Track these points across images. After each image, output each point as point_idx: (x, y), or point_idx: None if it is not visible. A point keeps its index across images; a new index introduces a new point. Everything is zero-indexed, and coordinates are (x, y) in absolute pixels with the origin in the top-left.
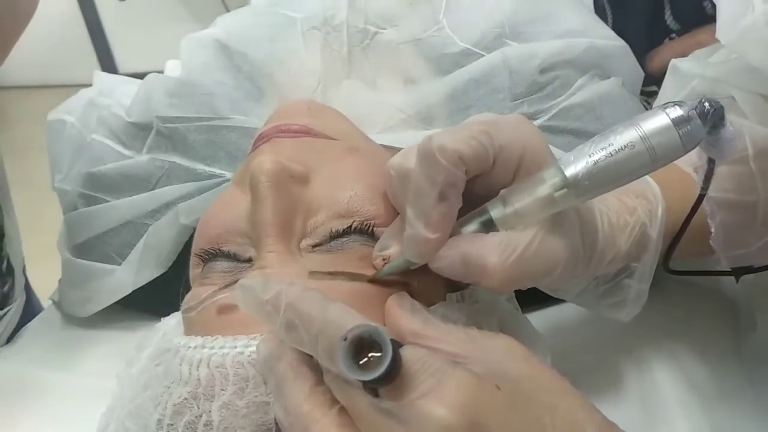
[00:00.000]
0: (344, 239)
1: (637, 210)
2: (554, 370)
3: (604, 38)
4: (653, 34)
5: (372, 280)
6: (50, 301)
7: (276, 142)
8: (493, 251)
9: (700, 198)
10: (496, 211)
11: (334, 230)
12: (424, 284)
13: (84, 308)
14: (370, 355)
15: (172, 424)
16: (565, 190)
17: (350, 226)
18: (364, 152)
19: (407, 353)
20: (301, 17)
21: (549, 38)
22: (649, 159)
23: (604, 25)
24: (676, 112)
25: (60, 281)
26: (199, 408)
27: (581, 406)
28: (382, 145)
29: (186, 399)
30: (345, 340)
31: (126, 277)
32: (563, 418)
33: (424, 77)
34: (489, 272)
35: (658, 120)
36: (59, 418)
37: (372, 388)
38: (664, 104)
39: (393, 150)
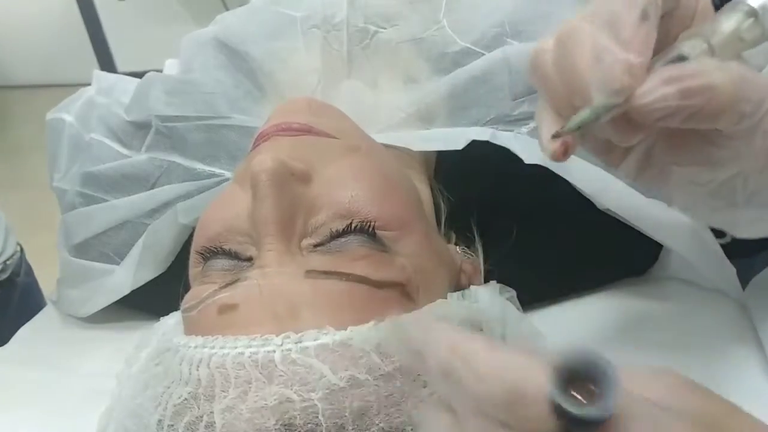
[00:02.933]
0: (344, 239)
1: None
2: (725, 399)
3: None
4: None
5: (377, 284)
6: (49, 301)
7: (277, 140)
8: (715, 71)
9: None
10: (688, 48)
11: (334, 230)
12: (425, 283)
13: (83, 308)
14: (586, 385)
15: (172, 425)
16: (753, 20)
17: (350, 226)
18: (365, 151)
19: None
20: (300, 16)
21: (550, 37)
22: None
23: None
24: None
25: (58, 281)
26: (199, 409)
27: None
28: (382, 144)
29: (186, 399)
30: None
31: (125, 276)
32: None
33: (424, 76)
34: (719, 90)
35: None
36: (59, 417)
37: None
38: None
39: (393, 149)
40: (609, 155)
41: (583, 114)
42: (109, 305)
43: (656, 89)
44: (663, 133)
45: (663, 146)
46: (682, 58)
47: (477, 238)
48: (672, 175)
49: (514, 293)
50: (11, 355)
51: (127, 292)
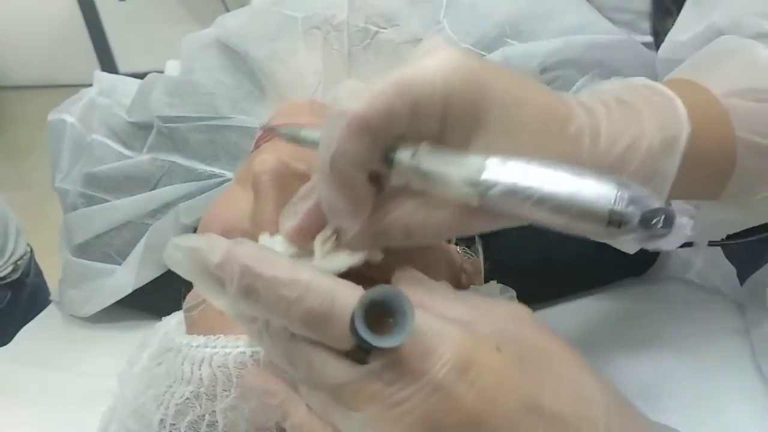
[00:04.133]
0: None
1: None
2: (563, 339)
3: (606, 33)
4: None
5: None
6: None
7: (278, 141)
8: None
9: None
10: (403, 155)
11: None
12: None
13: (84, 308)
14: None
15: (174, 424)
16: (473, 191)
17: None
18: None
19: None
20: (301, 17)
21: (550, 36)
22: (566, 218)
23: (605, 20)
24: (622, 192)
25: (60, 281)
26: (201, 408)
27: (593, 380)
28: None
29: (188, 399)
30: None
31: (126, 276)
32: (569, 387)
33: None
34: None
35: (603, 189)
36: (60, 417)
37: (363, 354)
38: (621, 179)
39: None
40: None
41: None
42: (111, 305)
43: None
44: None
45: None
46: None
47: (477, 239)
48: None
49: (514, 293)
50: (13, 355)
51: (129, 292)
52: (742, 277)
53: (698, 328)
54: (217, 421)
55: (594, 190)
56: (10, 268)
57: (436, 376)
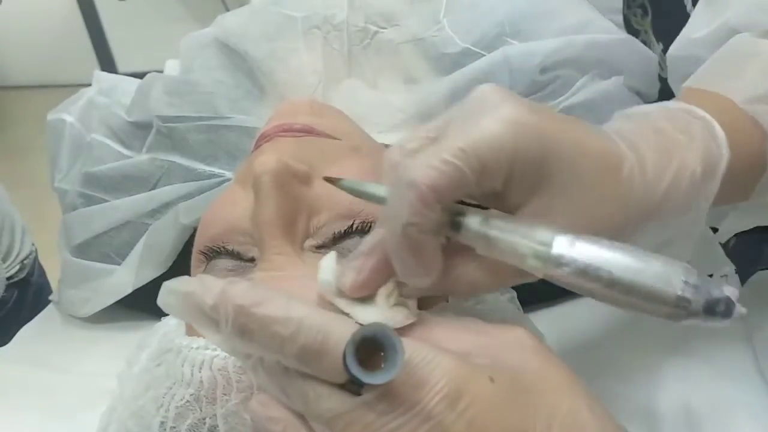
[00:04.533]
0: (348, 241)
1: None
2: (565, 366)
3: (606, 32)
4: None
5: None
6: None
7: (278, 141)
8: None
9: None
10: (472, 221)
11: (336, 231)
12: None
13: (83, 308)
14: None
15: (174, 427)
16: (540, 264)
17: (351, 226)
18: (367, 152)
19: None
20: (301, 16)
21: (550, 35)
22: (632, 300)
23: (606, 19)
24: (689, 285)
25: (59, 281)
26: (202, 411)
27: (587, 408)
28: (383, 145)
29: (189, 402)
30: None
31: (126, 277)
32: (563, 419)
33: (424, 77)
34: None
35: (670, 275)
36: (59, 417)
37: (357, 386)
38: (685, 265)
39: None
40: None
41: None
42: (110, 305)
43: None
44: None
45: None
46: (458, 224)
47: None
48: None
49: (514, 294)
50: (12, 355)
51: (128, 292)
52: (743, 278)
53: (697, 328)
54: (217, 426)
55: (661, 275)
56: (17, 268)
57: (426, 406)
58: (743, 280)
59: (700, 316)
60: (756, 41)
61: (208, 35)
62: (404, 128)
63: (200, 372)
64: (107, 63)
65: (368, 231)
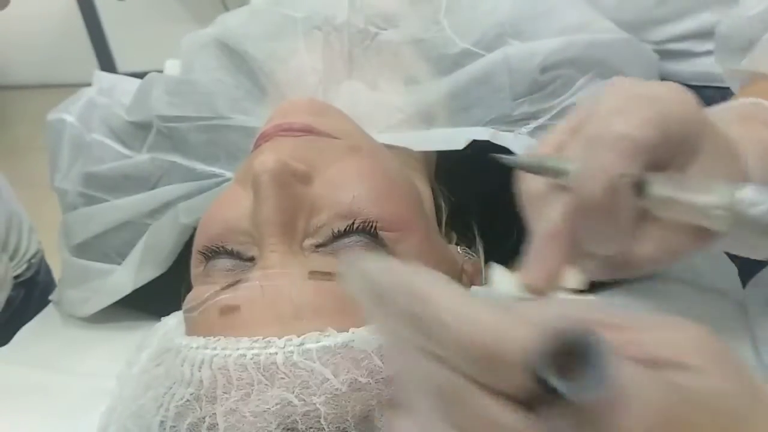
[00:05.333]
0: (346, 239)
1: None
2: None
3: (607, 32)
4: None
5: None
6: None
7: (278, 140)
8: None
9: None
10: (655, 183)
11: (336, 230)
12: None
13: (83, 308)
14: (574, 362)
15: (174, 426)
16: (724, 214)
17: (352, 226)
18: (367, 151)
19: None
20: (301, 17)
21: (550, 35)
22: None
23: (606, 19)
24: None
25: (59, 281)
26: (201, 410)
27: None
28: (383, 145)
29: (188, 401)
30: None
31: (126, 276)
32: None
33: (424, 77)
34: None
35: None
36: (59, 417)
37: (541, 401)
38: None
39: (394, 149)
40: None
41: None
42: (110, 305)
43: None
44: None
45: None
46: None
47: (478, 239)
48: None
49: None
50: (12, 355)
51: (128, 292)
52: (744, 277)
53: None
54: (217, 424)
55: None
56: (24, 267)
57: None
58: (745, 280)
59: None
60: None
61: (208, 35)
62: (404, 128)
63: (200, 371)
64: (107, 63)
65: (369, 231)
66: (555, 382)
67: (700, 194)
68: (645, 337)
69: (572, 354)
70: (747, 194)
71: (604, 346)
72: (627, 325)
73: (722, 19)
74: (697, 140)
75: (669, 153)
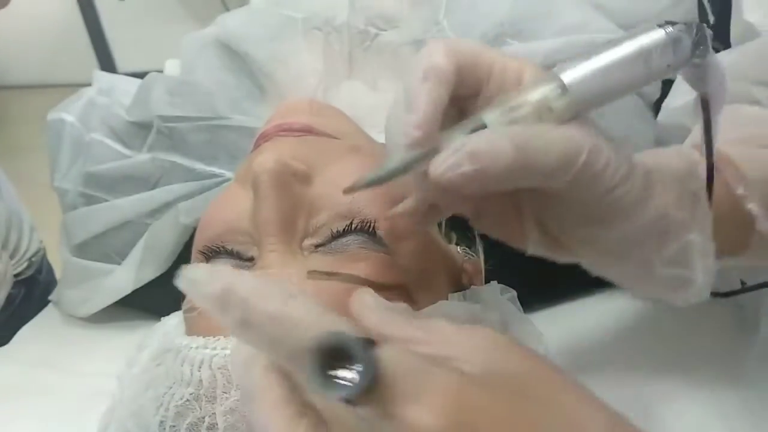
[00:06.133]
0: (345, 239)
1: (673, 160)
2: (550, 361)
3: (606, 32)
4: None
5: (379, 286)
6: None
7: (278, 140)
8: (501, 133)
9: (710, 159)
10: (489, 116)
11: (335, 230)
12: (426, 286)
13: (83, 308)
14: (344, 363)
15: (174, 426)
16: (560, 92)
17: (350, 225)
18: (366, 151)
19: (385, 356)
20: (301, 17)
21: (550, 35)
22: (644, 68)
23: (606, 18)
24: (669, 28)
25: (59, 281)
26: (201, 410)
27: (585, 401)
28: (383, 144)
29: (188, 401)
30: (311, 350)
31: (126, 276)
32: (563, 415)
33: None
34: (498, 152)
35: (653, 33)
36: (59, 417)
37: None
38: (659, 22)
39: None
40: (510, 236)
41: (376, 173)
42: (110, 305)
43: (448, 158)
44: (524, 195)
45: (533, 208)
46: (483, 126)
47: (478, 239)
48: (572, 244)
49: (514, 294)
50: (12, 355)
51: (128, 292)
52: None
53: (699, 330)
54: (216, 424)
55: (644, 31)
56: (24, 265)
57: (430, 428)
58: (744, 281)
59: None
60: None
61: (208, 36)
62: None
63: (200, 371)
64: (107, 63)
65: (368, 230)
66: (316, 383)
67: (531, 93)
68: (433, 339)
69: (342, 359)
70: (571, 74)
71: (358, 346)
72: (422, 333)
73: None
74: (489, 62)
75: (468, 78)
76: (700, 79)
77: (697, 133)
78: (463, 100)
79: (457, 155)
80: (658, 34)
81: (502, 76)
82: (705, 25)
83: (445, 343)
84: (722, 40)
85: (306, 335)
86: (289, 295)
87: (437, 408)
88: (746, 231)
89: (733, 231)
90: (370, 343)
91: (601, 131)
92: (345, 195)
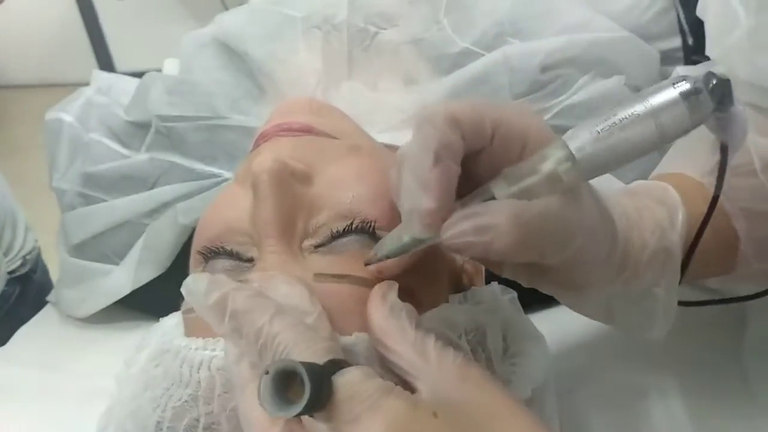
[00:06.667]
0: (345, 239)
1: (655, 211)
2: (507, 392)
3: (607, 31)
4: None
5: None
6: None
7: (277, 140)
8: (505, 211)
9: (715, 198)
10: (499, 189)
11: (335, 230)
12: (428, 286)
13: (81, 308)
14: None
15: (171, 427)
16: (570, 164)
17: (351, 225)
18: (366, 151)
19: (341, 380)
20: (301, 16)
21: (550, 34)
22: (656, 131)
23: (606, 18)
24: (684, 86)
25: (57, 281)
26: (199, 411)
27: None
28: (383, 145)
29: (186, 402)
30: (267, 373)
31: (124, 277)
32: None
33: (424, 77)
34: (501, 232)
35: (665, 93)
36: (58, 418)
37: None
38: (671, 78)
39: (395, 149)
40: (485, 263)
41: (402, 243)
42: (109, 305)
43: (456, 225)
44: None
45: (525, 275)
46: (492, 198)
47: None
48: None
49: (515, 294)
50: (10, 355)
51: (126, 292)
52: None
53: (697, 330)
54: (214, 424)
55: (657, 92)
56: (18, 262)
57: None
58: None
59: (705, 94)
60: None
61: (207, 35)
62: (404, 128)
63: (198, 372)
64: (106, 62)
65: (368, 230)
66: (266, 403)
67: (540, 165)
68: (412, 358)
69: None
70: (579, 141)
71: (304, 374)
72: (405, 347)
73: None
74: (493, 124)
75: (473, 142)
76: (722, 128)
77: (701, 156)
78: (465, 157)
79: (464, 226)
80: (667, 93)
81: (506, 138)
82: (728, 79)
83: (418, 361)
84: (701, 53)
85: (279, 355)
86: (277, 311)
87: (378, 431)
88: (732, 251)
89: (720, 250)
90: (336, 365)
91: (598, 200)
92: (365, 266)
